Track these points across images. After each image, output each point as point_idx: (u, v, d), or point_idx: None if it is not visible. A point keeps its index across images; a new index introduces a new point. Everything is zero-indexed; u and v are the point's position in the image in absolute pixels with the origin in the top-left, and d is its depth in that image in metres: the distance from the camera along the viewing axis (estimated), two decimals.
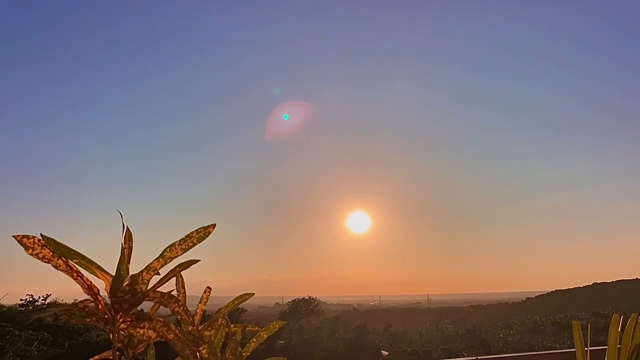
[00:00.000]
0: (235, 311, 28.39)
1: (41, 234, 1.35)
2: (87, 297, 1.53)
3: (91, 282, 1.43)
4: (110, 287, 1.44)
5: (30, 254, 1.32)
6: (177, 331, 1.61)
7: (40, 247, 1.33)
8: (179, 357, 1.85)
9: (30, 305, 18.67)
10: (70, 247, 1.38)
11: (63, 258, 1.37)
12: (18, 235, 1.32)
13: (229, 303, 2.03)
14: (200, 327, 1.93)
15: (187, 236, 1.53)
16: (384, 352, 34.35)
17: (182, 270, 1.52)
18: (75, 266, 1.41)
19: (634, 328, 2.21)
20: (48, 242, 1.36)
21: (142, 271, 1.48)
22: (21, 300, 18.92)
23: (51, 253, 1.34)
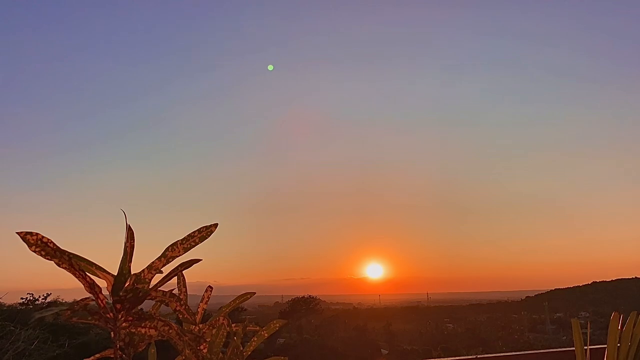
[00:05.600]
0: (235, 310, 28.40)
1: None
2: (87, 295, 1.54)
3: (93, 280, 1.43)
4: (112, 286, 1.45)
5: (33, 251, 1.33)
6: (178, 330, 1.61)
7: (43, 244, 1.33)
8: (180, 356, 1.85)
9: (30, 304, 18.66)
10: (67, 250, 1.38)
11: (65, 256, 1.37)
12: (21, 232, 1.32)
13: (230, 302, 2.03)
14: (201, 326, 1.94)
15: (189, 235, 1.53)
16: (384, 351, 34.37)
17: (184, 269, 1.52)
18: (77, 263, 1.42)
19: (634, 326, 2.21)
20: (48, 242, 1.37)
21: (144, 270, 1.48)
22: (22, 299, 18.92)
23: (54, 250, 1.34)
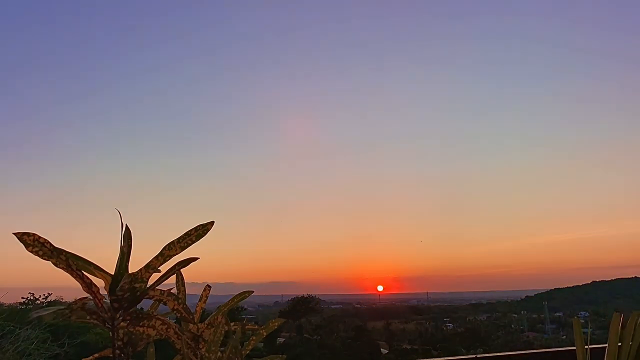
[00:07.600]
0: (235, 310, 28.43)
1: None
2: (86, 294, 1.53)
3: (91, 280, 1.43)
4: (110, 285, 1.44)
5: (30, 252, 1.33)
6: (176, 329, 1.61)
7: (40, 245, 1.33)
8: (178, 355, 1.85)
9: (30, 304, 18.68)
10: (65, 250, 1.38)
11: (62, 256, 1.37)
12: (18, 233, 1.32)
13: (229, 301, 2.03)
14: (199, 325, 1.94)
15: (185, 234, 1.53)
16: (384, 350, 34.42)
17: (181, 268, 1.52)
18: (75, 263, 1.41)
19: (635, 327, 2.20)
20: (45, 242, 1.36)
21: (141, 269, 1.48)
22: (22, 298, 18.94)
23: (51, 250, 1.34)
